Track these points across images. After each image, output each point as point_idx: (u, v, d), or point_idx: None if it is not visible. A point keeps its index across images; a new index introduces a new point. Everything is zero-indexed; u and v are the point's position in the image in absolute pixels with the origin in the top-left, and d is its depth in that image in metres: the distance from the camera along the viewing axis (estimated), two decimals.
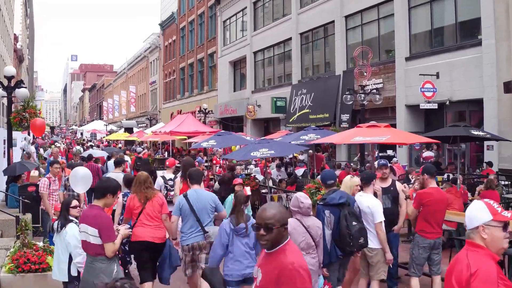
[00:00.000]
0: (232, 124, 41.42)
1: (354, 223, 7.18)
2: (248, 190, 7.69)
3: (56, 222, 7.18)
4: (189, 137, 31.63)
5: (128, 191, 9.40)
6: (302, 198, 6.81)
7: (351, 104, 26.79)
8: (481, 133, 13.14)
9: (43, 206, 11.58)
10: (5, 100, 19.43)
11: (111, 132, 58.09)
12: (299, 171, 21.12)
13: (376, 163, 11.92)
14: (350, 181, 8.53)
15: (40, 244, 8.84)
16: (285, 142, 15.24)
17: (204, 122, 36.97)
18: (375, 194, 8.58)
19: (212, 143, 16.52)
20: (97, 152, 24.09)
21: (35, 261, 7.93)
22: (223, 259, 6.97)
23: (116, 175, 11.46)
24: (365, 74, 24.42)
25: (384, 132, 11.43)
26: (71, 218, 7.15)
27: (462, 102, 21.47)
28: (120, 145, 40.61)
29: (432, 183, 8.66)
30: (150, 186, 8.30)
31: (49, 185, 11.33)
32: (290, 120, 31.81)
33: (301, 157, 25.03)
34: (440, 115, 23.50)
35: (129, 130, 46.59)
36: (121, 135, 44.15)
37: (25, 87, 16.98)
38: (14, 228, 12.17)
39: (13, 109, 17.22)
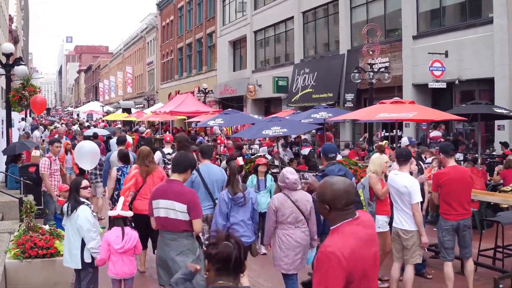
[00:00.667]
0: (231, 104, 40.66)
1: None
2: (240, 160, 8.32)
3: (66, 204, 6.57)
4: (189, 117, 31.03)
5: (123, 165, 9.76)
6: (288, 173, 6.88)
7: (356, 84, 26.28)
8: (504, 111, 12.54)
9: (45, 187, 10.89)
10: (3, 81, 18.72)
11: (108, 113, 57.32)
12: (305, 151, 20.55)
13: (403, 141, 11.34)
14: (379, 158, 8.01)
15: (46, 227, 8.21)
16: (296, 121, 14.59)
17: (204, 102, 36.27)
18: (411, 174, 8.02)
19: (219, 121, 15.84)
20: (98, 131, 23.49)
21: (42, 246, 7.30)
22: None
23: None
24: (372, 52, 23.72)
25: (410, 109, 10.85)
26: (82, 199, 6.54)
27: (471, 81, 20.90)
28: (119, 125, 39.89)
29: (450, 161, 8.05)
30: (151, 161, 8.69)
31: (50, 165, 10.66)
32: (292, 100, 31.17)
33: (305, 136, 24.44)
34: (448, 95, 22.94)
35: (127, 110, 45.74)
36: (119, 116, 43.33)
37: (24, 65, 16.30)
38: (16, 210, 11.60)
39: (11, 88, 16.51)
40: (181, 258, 5.78)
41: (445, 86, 21.36)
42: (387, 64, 23.95)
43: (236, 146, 15.52)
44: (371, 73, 20.28)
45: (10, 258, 7.21)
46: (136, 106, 59.72)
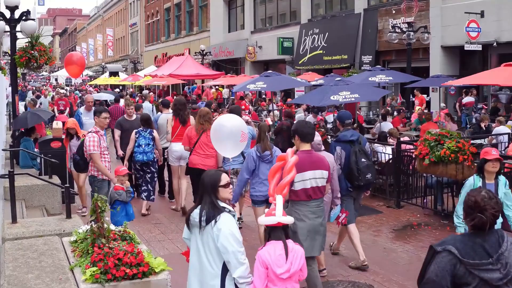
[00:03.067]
0: (227, 66, 38.15)
1: (363, 159, 7.34)
2: (269, 120, 9.18)
3: (199, 211, 4.31)
4: (187, 80, 28.64)
5: (142, 128, 10.33)
6: None
7: (374, 45, 24.19)
8: None
9: (94, 170, 8.42)
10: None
11: (92, 78, 54.15)
12: (329, 117, 18.53)
13: None
14: None
15: (113, 227, 5.97)
16: (366, 84, 12.38)
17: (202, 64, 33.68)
18: None
19: (260, 85, 13.48)
20: (101, 95, 21.17)
21: (130, 263, 5.11)
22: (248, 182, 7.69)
23: (166, 115, 11.41)
24: (401, 9, 21.42)
25: None
26: (222, 204, 4.25)
27: (510, 43, 18.90)
28: (117, 90, 37.00)
29: None
30: (207, 120, 9.26)
31: (99, 141, 8.36)
32: (300, 62, 28.89)
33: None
34: (479, 58, 21.00)
35: (114, 74, 42.68)
36: (109, 80, 40.15)
37: (33, 19, 13.72)
38: (51, 197, 9.41)
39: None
40: (325, 220, 6.21)
41: (480, 49, 19.40)
42: (404, 25, 21.69)
43: (286, 114, 13.43)
44: (411, 33, 18.05)
45: (87, 282, 4.93)
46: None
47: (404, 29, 18.32)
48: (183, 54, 43.73)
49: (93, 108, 12.18)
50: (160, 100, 17.04)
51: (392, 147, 10.88)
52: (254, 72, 34.26)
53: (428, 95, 21.59)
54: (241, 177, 7.51)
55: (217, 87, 31.69)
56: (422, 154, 9.38)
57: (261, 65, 35.57)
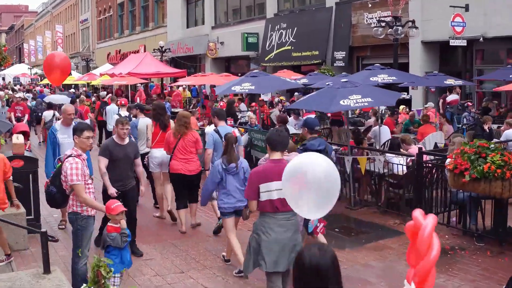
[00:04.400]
0: (186, 63, 35.87)
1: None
2: (236, 132, 8.83)
3: None
4: (146, 79, 26.21)
5: None
6: None
7: (347, 40, 22.58)
8: None
9: (81, 205, 6.06)
10: None
11: (42, 77, 50.73)
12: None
13: None
14: None
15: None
16: (376, 87, 10.46)
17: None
18: None
19: (247, 86, 11.36)
20: (57, 98, 18.84)
21: None
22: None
23: (145, 120, 10.69)
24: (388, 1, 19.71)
25: None
26: None
27: (498, 39, 17.52)
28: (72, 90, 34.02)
29: None
30: (184, 124, 8.83)
31: (83, 168, 6.02)
32: (266, 59, 27.00)
33: None
34: (460, 54, 19.64)
35: None
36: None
37: None
38: (12, 230, 7.35)
39: None
40: (297, 236, 5.54)
41: (465, 44, 17.98)
42: (389, 19, 20.10)
43: (280, 120, 11.55)
44: (399, 28, 16.35)
45: None
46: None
47: (391, 24, 16.62)
48: (138, 51, 41.34)
49: (73, 123, 8.52)
50: (135, 104, 15.20)
51: (412, 157, 9.09)
52: (215, 70, 32.27)
53: (408, 93, 20.02)
54: (205, 188, 7.40)
55: (184, 86, 29.45)
56: (458, 169, 7.66)
57: (222, 62, 33.57)
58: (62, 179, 6.03)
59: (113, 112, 15.08)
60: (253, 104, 18.67)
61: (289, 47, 25.56)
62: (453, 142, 9.06)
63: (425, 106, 17.03)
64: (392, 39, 16.83)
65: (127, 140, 7.93)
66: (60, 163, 6.30)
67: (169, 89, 29.59)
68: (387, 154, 9.74)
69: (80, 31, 63.53)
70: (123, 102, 14.85)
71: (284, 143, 5.59)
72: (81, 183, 5.92)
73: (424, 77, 15.08)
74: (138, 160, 8.13)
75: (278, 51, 26.31)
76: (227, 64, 33.75)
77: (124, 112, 13.71)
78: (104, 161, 7.65)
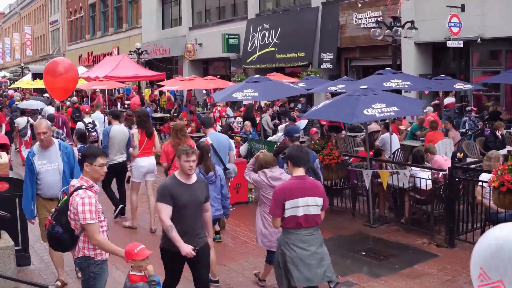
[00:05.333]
0: (162, 65, 34.44)
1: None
2: (209, 140, 8.56)
3: None
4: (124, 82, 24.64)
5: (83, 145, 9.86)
6: None
7: (335, 41, 21.62)
8: None
9: (94, 248, 4.85)
10: None
11: (12, 80, 48.67)
12: (302, 123, 15.78)
13: None
14: None
15: None
16: (401, 96, 9.38)
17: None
18: None
19: (250, 93, 10.16)
20: (32, 103, 17.46)
21: None
22: None
23: (119, 127, 10.18)
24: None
25: None
26: None
27: (496, 40, 16.71)
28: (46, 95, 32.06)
29: None
30: (184, 134, 8.78)
31: (96, 203, 4.80)
32: (248, 61, 25.85)
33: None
34: (453, 55, 18.86)
35: (39, 76, 37.61)
36: (35, 83, 34.69)
37: None
38: None
39: None
40: (322, 249, 5.49)
41: (462, 45, 17.15)
42: (379, 19, 19.19)
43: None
44: (399, 28, 15.39)
45: None
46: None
47: (389, 25, 15.69)
48: (111, 53, 39.80)
49: (55, 144, 6.75)
50: (109, 110, 14.17)
51: (444, 172, 8.05)
52: (193, 72, 30.93)
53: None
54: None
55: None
56: (506, 186, 6.69)
57: (200, 64, 32.30)
58: (70, 216, 4.74)
59: (100, 121, 14.13)
60: (242, 109, 17.61)
61: (273, 49, 24.48)
62: (488, 157, 8.12)
63: (424, 110, 16.12)
64: (390, 41, 15.88)
65: (194, 178, 5.59)
66: (66, 197, 4.95)
67: (158, 94, 27.60)
68: (413, 168, 8.69)
69: (50, 33, 61.40)
70: (87, 110, 15.29)
71: (305, 158, 5.57)
72: (95, 222, 4.70)
73: (437, 82, 14.08)
74: (208, 204, 5.84)
75: (261, 52, 25.20)
76: (205, 66, 32.50)
77: (88, 119, 13.69)
78: (167, 210, 5.33)
